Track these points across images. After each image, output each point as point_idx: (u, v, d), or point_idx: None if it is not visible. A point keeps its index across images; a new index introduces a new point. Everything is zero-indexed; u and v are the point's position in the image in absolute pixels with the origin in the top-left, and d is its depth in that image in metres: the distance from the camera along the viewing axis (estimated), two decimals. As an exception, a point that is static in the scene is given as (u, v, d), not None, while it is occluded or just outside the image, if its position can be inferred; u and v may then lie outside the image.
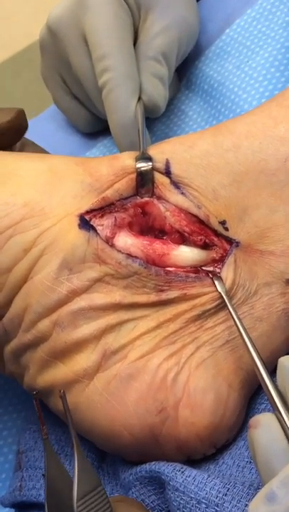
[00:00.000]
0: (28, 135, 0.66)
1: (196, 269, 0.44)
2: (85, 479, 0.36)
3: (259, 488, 0.37)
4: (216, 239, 0.44)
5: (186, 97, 0.60)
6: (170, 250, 0.43)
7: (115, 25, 0.54)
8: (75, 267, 0.42)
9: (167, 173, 0.44)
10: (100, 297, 0.42)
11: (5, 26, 1.75)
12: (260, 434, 0.34)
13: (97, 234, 0.42)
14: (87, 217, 0.43)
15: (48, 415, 0.48)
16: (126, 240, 0.43)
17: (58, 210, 0.43)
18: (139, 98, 0.54)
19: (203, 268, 0.44)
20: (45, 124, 0.66)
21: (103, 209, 0.44)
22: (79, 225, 0.43)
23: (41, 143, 0.64)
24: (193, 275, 0.43)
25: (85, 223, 0.43)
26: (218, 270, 0.43)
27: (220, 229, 0.43)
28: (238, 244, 0.43)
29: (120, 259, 0.42)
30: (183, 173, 0.44)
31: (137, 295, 0.42)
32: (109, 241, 0.43)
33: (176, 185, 0.44)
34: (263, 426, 0.34)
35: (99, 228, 0.43)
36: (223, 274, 0.43)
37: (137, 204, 0.44)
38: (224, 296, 0.42)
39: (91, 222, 0.43)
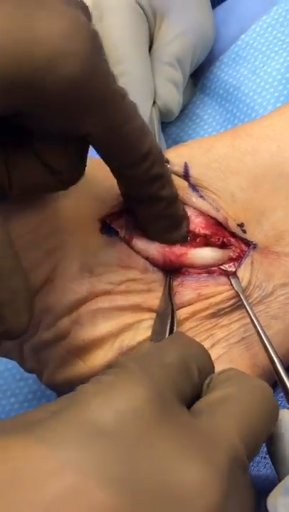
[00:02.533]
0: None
1: (212, 267, 0.44)
2: None
3: (274, 482, 0.37)
4: (233, 240, 0.44)
5: (202, 102, 0.61)
6: (188, 250, 0.44)
7: (131, 31, 0.55)
8: (96, 269, 0.43)
9: (186, 176, 0.45)
10: (119, 299, 0.43)
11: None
12: (276, 430, 0.35)
13: (121, 239, 0.43)
14: (108, 220, 0.44)
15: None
16: (144, 241, 0.44)
17: (79, 213, 0.44)
18: (154, 103, 0.55)
19: (220, 267, 0.44)
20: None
21: (122, 212, 0.44)
22: (101, 229, 0.43)
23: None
24: (206, 274, 0.44)
25: (107, 228, 0.43)
26: (234, 269, 0.44)
27: (238, 231, 0.44)
28: (255, 246, 0.44)
29: (146, 266, 0.43)
30: (201, 177, 0.45)
31: (156, 299, 0.43)
32: (128, 242, 0.44)
33: (194, 188, 0.45)
34: (280, 421, 0.35)
35: (119, 229, 0.44)
36: (240, 275, 0.43)
37: None
38: (241, 294, 0.42)
39: (112, 225, 0.44)
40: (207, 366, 0.35)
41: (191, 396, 0.33)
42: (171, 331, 0.41)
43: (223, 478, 0.28)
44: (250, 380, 0.34)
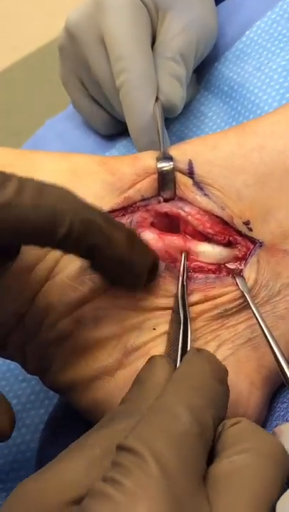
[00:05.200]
0: (47, 135, 0.67)
1: (219, 266, 0.44)
2: None
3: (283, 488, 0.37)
4: (239, 238, 0.44)
5: (206, 99, 0.61)
6: (193, 246, 0.44)
7: (133, 27, 0.55)
8: None
9: (190, 173, 0.44)
10: (122, 298, 0.42)
11: (17, 27, 1.76)
12: (284, 441, 0.34)
13: None
14: None
15: (68, 414, 0.49)
16: (147, 239, 0.44)
17: None
18: (157, 98, 0.54)
19: (226, 265, 0.44)
20: (64, 123, 0.66)
21: (125, 209, 0.44)
22: None
23: (59, 142, 0.65)
24: (213, 276, 0.43)
25: None
26: (240, 268, 0.43)
27: (244, 229, 0.43)
28: (261, 244, 0.43)
29: None
30: (206, 174, 0.44)
31: (158, 298, 0.43)
32: None
33: (198, 186, 0.44)
34: (287, 434, 0.35)
35: None
36: (246, 274, 0.43)
37: (158, 211, 0.45)
38: (246, 295, 0.42)
39: None
40: (222, 406, 0.35)
41: (206, 456, 0.33)
42: (183, 348, 0.40)
43: None
44: (261, 442, 0.33)
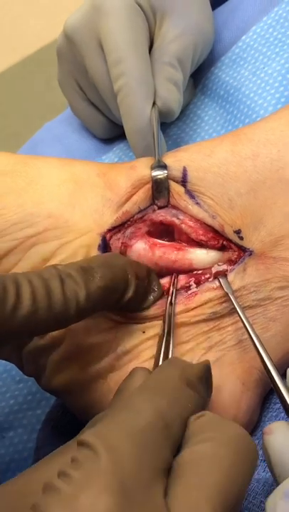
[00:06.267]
0: (45, 137, 0.67)
1: (197, 278, 0.44)
2: None
3: (273, 485, 0.37)
4: (231, 244, 0.44)
5: (202, 103, 0.61)
6: (186, 254, 0.44)
7: (130, 31, 0.55)
8: None
9: (183, 181, 0.45)
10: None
11: (15, 29, 1.77)
12: (273, 440, 0.35)
13: None
14: (108, 235, 0.44)
15: (64, 414, 0.49)
16: (139, 250, 0.44)
17: (80, 224, 0.44)
18: (154, 103, 0.55)
19: (211, 268, 0.44)
20: (62, 126, 0.67)
21: (123, 224, 0.45)
22: (99, 245, 0.43)
23: (57, 145, 0.65)
24: (195, 288, 0.44)
25: (104, 245, 0.44)
26: (230, 269, 0.44)
27: (234, 238, 0.44)
28: (251, 253, 0.43)
29: None
30: (200, 182, 0.44)
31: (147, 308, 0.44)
32: (122, 253, 0.44)
33: (190, 194, 0.44)
34: (276, 432, 0.35)
35: (115, 242, 0.44)
36: (230, 279, 0.43)
37: (154, 219, 0.45)
38: (230, 295, 0.42)
39: (110, 241, 0.44)
40: (188, 406, 0.35)
41: (172, 451, 0.32)
42: (166, 355, 0.41)
43: None
44: (224, 431, 0.33)
